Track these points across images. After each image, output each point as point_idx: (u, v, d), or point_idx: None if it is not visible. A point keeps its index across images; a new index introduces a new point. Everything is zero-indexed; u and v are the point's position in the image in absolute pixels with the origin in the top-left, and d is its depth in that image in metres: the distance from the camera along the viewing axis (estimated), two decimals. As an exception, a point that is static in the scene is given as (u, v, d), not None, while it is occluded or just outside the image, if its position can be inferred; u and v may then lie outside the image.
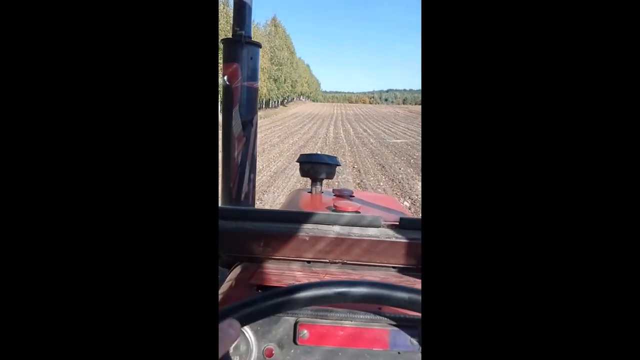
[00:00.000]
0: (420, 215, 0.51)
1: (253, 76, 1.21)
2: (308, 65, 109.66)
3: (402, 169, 8.28)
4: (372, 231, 0.69)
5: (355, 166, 8.56)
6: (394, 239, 0.67)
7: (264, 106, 41.63)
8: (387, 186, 6.66)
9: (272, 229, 0.67)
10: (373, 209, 1.37)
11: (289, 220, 0.69)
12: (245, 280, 0.67)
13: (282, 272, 0.69)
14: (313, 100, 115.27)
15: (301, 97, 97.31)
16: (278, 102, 49.82)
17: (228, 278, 0.72)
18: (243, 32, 1.15)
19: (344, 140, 13.83)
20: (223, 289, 0.68)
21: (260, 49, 1.24)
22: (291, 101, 74.70)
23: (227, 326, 0.38)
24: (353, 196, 1.62)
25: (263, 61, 34.77)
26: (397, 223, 0.69)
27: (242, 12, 1.17)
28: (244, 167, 1.26)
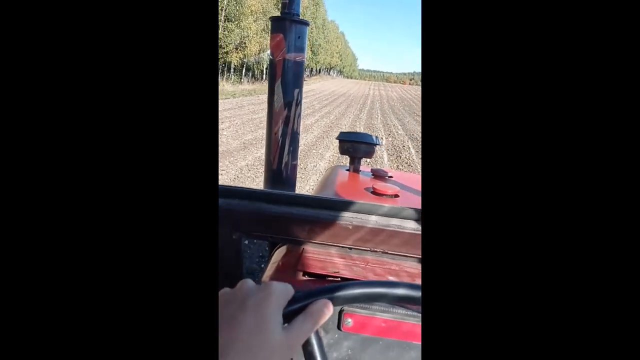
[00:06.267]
0: None
1: (299, 51, 1.17)
2: (343, 34, 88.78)
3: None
4: (411, 224, 0.71)
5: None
6: None
7: (253, 77, 29.02)
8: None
9: (319, 215, 0.72)
10: (411, 193, 1.37)
11: (332, 208, 0.73)
12: (291, 264, 0.72)
13: (324, 258, 0.74)
14: (347, 77, 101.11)
15: (331, 72, 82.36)
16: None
17: (273, 259, 0.77)
18: (292, 11, 1.13)
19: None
20: (270, 270, 0.73)
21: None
22: (314, 74, 59.17)
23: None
24: (391, 177, 1.60)
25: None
26: None
27: None
28: (284, 144, 1.22)
